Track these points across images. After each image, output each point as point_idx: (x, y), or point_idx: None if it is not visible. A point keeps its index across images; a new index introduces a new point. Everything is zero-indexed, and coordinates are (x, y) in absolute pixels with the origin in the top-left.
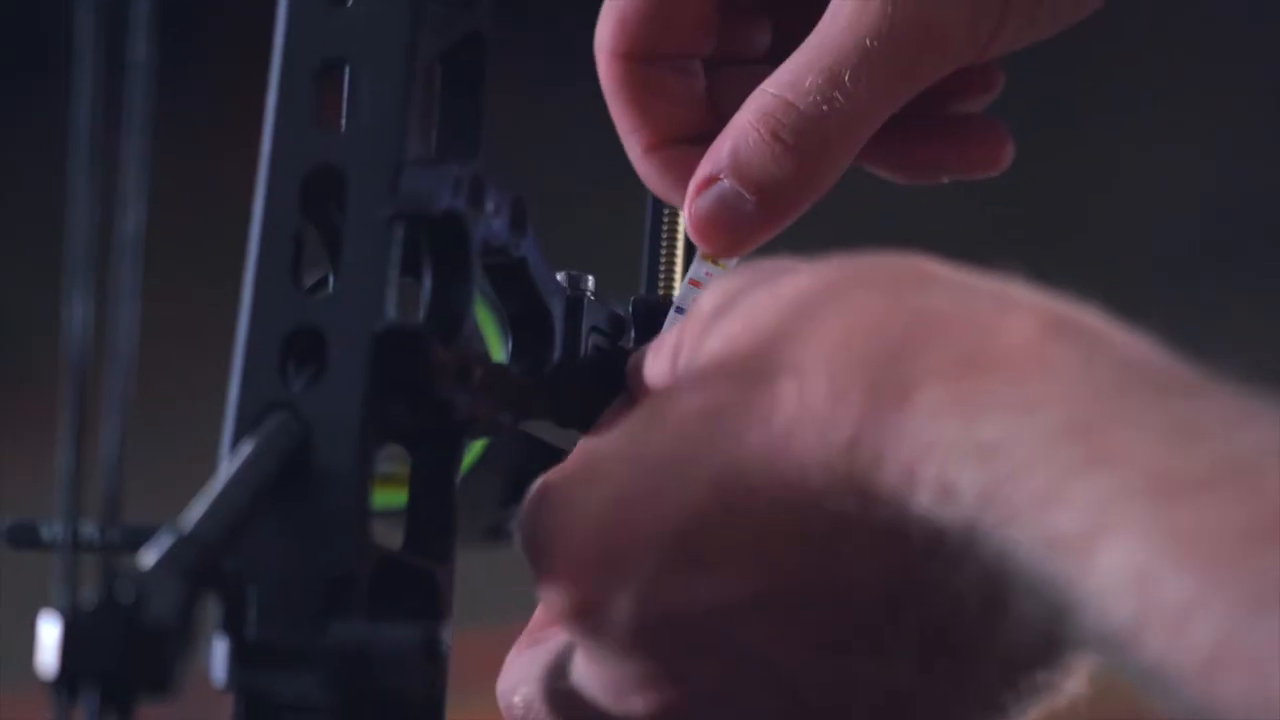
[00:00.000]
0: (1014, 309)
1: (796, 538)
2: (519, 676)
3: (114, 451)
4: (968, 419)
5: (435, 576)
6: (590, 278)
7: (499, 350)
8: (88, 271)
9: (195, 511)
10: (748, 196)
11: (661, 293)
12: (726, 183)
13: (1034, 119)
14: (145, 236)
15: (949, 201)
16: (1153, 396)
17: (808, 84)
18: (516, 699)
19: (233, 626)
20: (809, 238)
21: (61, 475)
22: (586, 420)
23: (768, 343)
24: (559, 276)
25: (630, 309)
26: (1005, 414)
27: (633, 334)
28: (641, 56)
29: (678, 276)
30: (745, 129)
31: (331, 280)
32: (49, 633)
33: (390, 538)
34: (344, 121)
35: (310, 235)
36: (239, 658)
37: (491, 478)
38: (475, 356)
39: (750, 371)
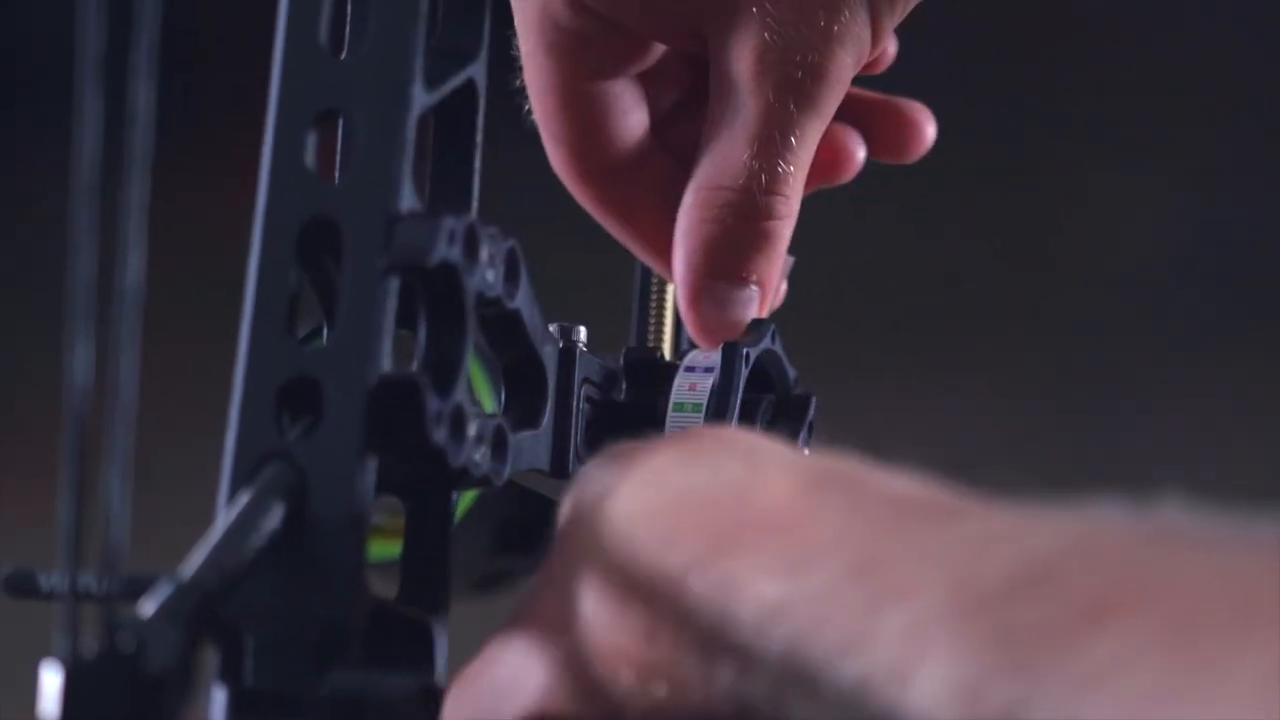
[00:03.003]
0: (768, 471)
1: None
2: None
3: (117, 501)
4: (741, 590)
5: (430, 628)
6: (582, 329)
7: (490, 402)
8: (89, 320)
9: (193, 561)
10: (749, 283)
11: (651, 344)
12: (718, 285)
13: (1016, 153)
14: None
15: (933, 229)
16: (929, 524)
17: (744, 162)
18: None
19: (231, 674)
20: (802, 269)
21: (63, 524)
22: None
23: (569, 560)
24: (551, 328)
25: (622, 361)
26: (781, 574)
27: (624, 386)
28: (604, 170)
29: (667, 328)
30: (704, 231)
31: (326, 330)
32: (50, 681)
33: (385, 590)
34: (338, 173)
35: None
36: (237, 705)
37: (482, 529)
38: (470, 407)
39: (559, 586)
